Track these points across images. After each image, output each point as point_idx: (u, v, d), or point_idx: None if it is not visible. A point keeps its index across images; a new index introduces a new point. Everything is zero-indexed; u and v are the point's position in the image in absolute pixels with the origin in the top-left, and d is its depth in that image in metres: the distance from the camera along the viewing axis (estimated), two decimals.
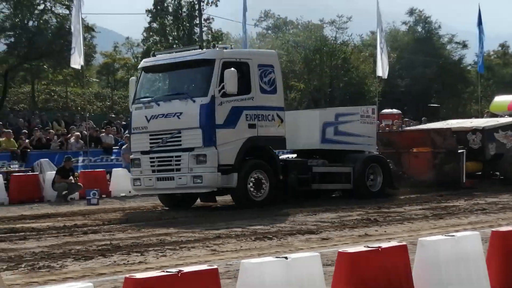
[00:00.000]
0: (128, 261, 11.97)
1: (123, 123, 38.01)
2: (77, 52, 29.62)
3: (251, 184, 20.58)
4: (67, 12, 47.78)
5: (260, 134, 20.95)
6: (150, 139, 20.98)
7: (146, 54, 59.46)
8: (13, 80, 50.99)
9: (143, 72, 21.92)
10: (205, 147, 20.03)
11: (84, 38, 36.89)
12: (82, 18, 31.32)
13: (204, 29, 58.43)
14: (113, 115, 43.30)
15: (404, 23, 78.31)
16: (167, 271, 6.35)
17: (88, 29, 48.95)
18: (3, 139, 29.52)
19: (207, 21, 59.71)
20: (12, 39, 48.12)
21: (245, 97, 20.72)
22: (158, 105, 20.88)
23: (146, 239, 14.76)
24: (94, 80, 67.27)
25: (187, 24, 59.15)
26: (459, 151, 26.07)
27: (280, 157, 23.06)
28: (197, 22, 57.04)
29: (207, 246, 13.57)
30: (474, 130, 27.25)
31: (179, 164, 20.37)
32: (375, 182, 23.70)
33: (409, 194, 24.14)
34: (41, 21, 48.53)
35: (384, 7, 40.94)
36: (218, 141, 20.18)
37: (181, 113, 20.39)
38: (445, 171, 25.89)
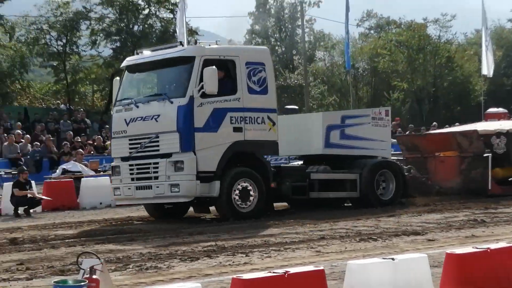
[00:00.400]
0: (233, 262, 12.03)
1: None
2: None
3: (236, 193, 18.56)
4: (171, 16, 48.51)
5: (248, 138, 18.97)
6: (130, 144, 19.20)
7: None
8: None
9: (126, 71, 20.17)
10: (183, 153, 18.16)
11: (188, 42, 37.23)
12: (186, 22, 31.68)
13: (306, 30, 58.41)
14: None
15: (510, 20, 76.65)
16: (273, 272, 6.35)
17: (192, 32, 49.52)
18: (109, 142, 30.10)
19: (309, 22, 59.75)
20: (118, 44, 49.04)
21: (230, 98, 18.85)
22: (137, 107, 19.12)
23: (250, 240, 14.79)
24: None
25: (289, 26, 59.26)
26: (485, 155, 23.54)
27: (272, 164, 21.53)
28: (299, 23, 57.06)
29: (312, 247, 13.53)
30: (498, 134, 24.57)
31: (157, 172, 18.51)
32: (386, 190, 21.59)
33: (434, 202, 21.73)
34: (146, 25, 49.36)
35: (489, 5, 40.24)
36: (197, 146, 18.26)
37: (158, 116, 18.63)
38: (472, 177, 23.54)
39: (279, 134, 19.98)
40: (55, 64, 49.37)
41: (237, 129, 18.87)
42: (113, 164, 19.89)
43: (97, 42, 49.31)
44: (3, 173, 29.03)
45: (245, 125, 18.98)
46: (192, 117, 18.30)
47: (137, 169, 18.91)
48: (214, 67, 18.18)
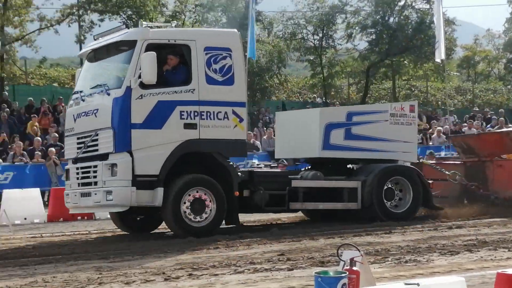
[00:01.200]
0: (495, 257, 11.65)
1: (488, 116, 37.31)
2: (440, 46, 29.87)
3: (186, 204, 15.43)
4: (427, 6, 47.94)
5: (204, 137, 15.75)
6: (77, 143, 16.43)
7: (508, 45, 57.98)
8: (374, 76, 51.99)
9: (86, 61, 17.58)
10: (117, 154, 15.23)
11: (445, 32, 36.62)
12: (442, 12, 31.29)
13: None
14: (476, 109, 42.68)
15: None
16: None
17: (449, 22, 48.68)
18: None
19: None
20: (373, 36, 49.12)
21: (181, 88, 15.71)
22: (83, 100, 16.38)
23: None
24: (455, 74, 66.71)
25: None
26: None
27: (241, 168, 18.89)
28: None
29: None
30: None
31: (95, 176, 15.72)
32: (403, 201, 18.09)
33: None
34: (402, 17, 49.07)
35: None
36: (134, 146, 15.19)
37: (97, 110, 15.81)
38: None
39: (277, 134, 18.07)
40: (311, 58, 50.25)
41: (189, 126, 15.70)
42: (66, 167, 17.16)
43: (353, 35, 49.69)
44: (263, 166, 29.92)
45: (200, 121, 15.78)
46: (129, 111, 15.26)
47: (82, 172, 16.21)
48: (153, 52, 15.12)
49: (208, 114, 15.88)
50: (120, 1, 44.28)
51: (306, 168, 19.03)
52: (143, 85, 15.22)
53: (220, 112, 15.99)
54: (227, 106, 16.08)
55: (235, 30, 17.25)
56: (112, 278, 10.60)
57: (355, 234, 15.43)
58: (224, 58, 16.14)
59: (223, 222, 16.15)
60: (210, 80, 15.93)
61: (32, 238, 17.15)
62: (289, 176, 17.69)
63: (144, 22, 16.76)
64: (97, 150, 15.63)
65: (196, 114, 15.74)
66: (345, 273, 7.23)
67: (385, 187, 17.87)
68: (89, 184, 15.84)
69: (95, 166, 15.59)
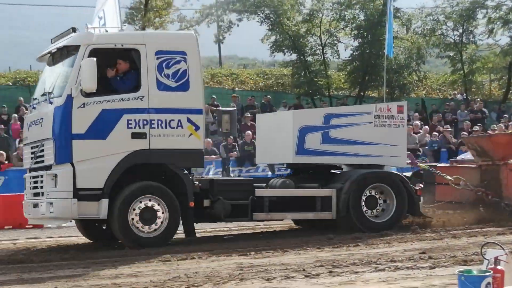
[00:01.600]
0: None
1: None
2: None
3: (136, 212, 14.59)
4: None
5: (155, 147, 14.85)
6: (30, 152, 15.79)
7: None
8: None
9: (46, 65, 16.70)
10: (57, 165, 14.49)
11: None
12: None
13: None
14: None
15: None
16: None
17: None
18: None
19: None
20: None
21: (128, 96, 14.78)
22: (34, 108, 15.79)
23: None
24: None
25: None
26: None
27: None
28: None
29: None
30: None
31: (42, 187, 15.07)
32: (386, 210, 16.77)
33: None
34: None
35: None
36: (76, 157, 14.41)
37: (42, 119, 15.16)
38: None
39: (256, 138, 17.16)
40: (451, 55, 49.41)
41: (138, 135, 14.78)
42: (24, 175, 16.42)
43: (494, 30, 48.54)
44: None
45: (150, 130, 14.83)
46: (70, 121, 14.48)
47: (33, 182, 15.58)
48: (92, 58, 14.31)
49: (160, 122, 14.95)
50: (258, 1, 44.69)
51: (285, 175, 18.37)
52: (86, 93, 14.45)
53: (173, 120, 15.03)
54: (181, 113, 15.11)
55: (192, 32, 16.66)
56: (253, 274, 10.73)
57: (499, 233, 15.18)
58: (178, 63, 15.15)
59: (184, 234, 15.43)
60: (161, 86, 15.01)
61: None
62: (254, 185, 16.52)
63: (90, 25, 15.52)
64: (42, 160, 15.03)
65: (145, 122, 14.82)
66: (490, 272, 7.09)
67: (366, 195, 16.66)
68: (38, 194, 15.28)
69: (42, 176, 14.98)
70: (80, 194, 14.28)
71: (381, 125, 17.33)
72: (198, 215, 15.54)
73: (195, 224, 15.42)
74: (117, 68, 15.12)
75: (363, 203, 16.59)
